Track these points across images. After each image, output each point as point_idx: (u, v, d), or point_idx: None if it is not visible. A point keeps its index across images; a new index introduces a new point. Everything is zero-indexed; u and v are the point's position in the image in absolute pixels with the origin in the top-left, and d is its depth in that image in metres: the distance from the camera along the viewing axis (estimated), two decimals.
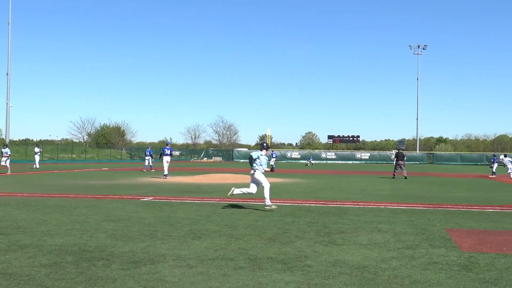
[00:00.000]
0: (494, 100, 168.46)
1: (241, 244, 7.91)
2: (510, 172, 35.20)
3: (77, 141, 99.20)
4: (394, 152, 38.94)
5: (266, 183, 12.94)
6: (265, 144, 13.51)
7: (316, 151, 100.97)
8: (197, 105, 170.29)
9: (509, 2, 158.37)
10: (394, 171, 31.25)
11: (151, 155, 37.96)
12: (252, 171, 13.09)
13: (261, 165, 12.99)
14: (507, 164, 36.28)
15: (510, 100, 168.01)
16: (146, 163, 37.48)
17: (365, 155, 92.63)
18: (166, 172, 27.47)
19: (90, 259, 6.75)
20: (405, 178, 29.71)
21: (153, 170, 35.82)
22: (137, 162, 66.66)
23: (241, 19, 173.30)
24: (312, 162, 67.65)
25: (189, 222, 10.33)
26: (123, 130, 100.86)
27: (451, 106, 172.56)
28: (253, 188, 13.12)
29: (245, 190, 13.29)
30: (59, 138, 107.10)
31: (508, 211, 13.10)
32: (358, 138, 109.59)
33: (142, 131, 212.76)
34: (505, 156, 38.29)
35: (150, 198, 15.43)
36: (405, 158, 31.74)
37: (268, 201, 12.70)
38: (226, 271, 6.16)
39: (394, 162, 31.67)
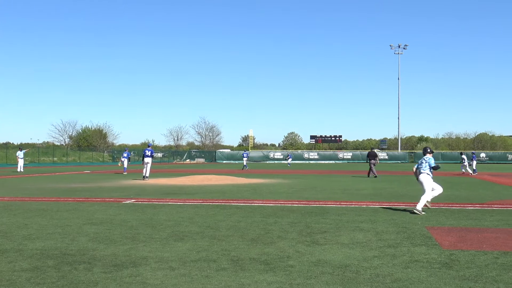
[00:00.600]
0: (474, 99, 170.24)
1: (223, 245, 7.91)
2: (464, 169, 36.98)
3: (59, 144, 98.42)
4: (376, 151, 39.12)
5: (436, 187, 12.68)
6: (428, 149, 13.23)
7: (299, 151, 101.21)
8: (179, 106, 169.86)
9: (488, 1, 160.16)
10: (370, 171, 31.46)
11: (128, 158, 38.01)
12: (419, 175, 12.66)
13: (429, 168, 12.64)
14: (464, 161, 37.74)
15: (490, 98, 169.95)
16: (125, 164, 37.52)
17: (348, 154, 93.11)
18: (147, 174, 27.52)
19: (72, 262, 6.71)
20: (375, 177, 30.16)
21: (125, 173, 35.78)
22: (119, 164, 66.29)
23: (222, 20, 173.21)
24: (290, 162, 66.46)
25: (172, 224, 10.31)
26: (105, 132, 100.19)
27: (432, 105, 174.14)
28: (436, 190, 12.92)
29: (428, 197, 12.58)
30: (40, 141, 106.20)
31: (488, 209, 13.23)
32: (340, 138, 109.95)
33: (124, 134, 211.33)
34: (461, 154, 39.75)
35: (132, 200, 15.37)
36: (377, 158, 31.87)
37: (419, 206, 12.07)
38: (208, 273, 6.16)
39: (367, 161, 31.94)
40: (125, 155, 38.26)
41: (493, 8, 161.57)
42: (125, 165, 37.47)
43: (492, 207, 13.70)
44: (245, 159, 49.76)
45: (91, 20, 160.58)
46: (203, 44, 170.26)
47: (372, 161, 31.04)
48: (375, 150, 32.95)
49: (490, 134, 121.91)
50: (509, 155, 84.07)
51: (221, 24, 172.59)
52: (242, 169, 47.09)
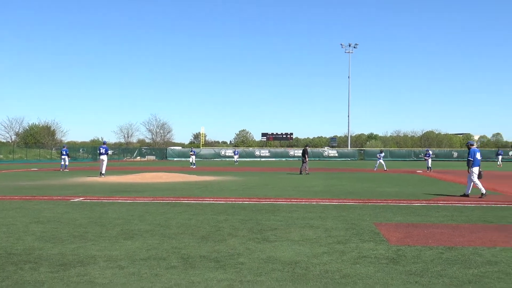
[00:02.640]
0: (421, 98, 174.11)
1: (173, 243, 7.86)
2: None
3: (5, 141, 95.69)
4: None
5: None
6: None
7: (250, 148, 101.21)
8: (130, 103, 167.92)
9: (435, 1, 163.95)
10: (301, 168, 32.61)
11: (67, 154, 37.76)
12: None
13: None
14: (379, 159, 39.73)
15: (436, 98, 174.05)
16: (62, 162, 37.24)
17: (299, 152, 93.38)
18: (103, 171, 27.39)
19: (17, 262, 6.55)
20: (306, 174, 31.47)
21: (67, 170, 35.55)
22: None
23: (171, 16, 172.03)
24: (237, 159, 64.93)
25: (121, 222, 10.18)
26: (53, 129, 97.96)
27: (381, 104, 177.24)
28: None
29: None
30: None
31: (434, 205, 13.56)
32: (292, 136, 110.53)
33: (74, 130, 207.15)
34: (381, 152, 41.98)
35: (81, 198, 15.11)
36: (306, 155, 32.78)
37: None
38: (158, 271, 6.10)
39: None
40: (63, 152, 37.99)
41: (439, 8, 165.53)
42: (66, 162, 37.26)
43: (437, 203, 14.05)
44: (193, 156, 49.62)
45: (37, 13, 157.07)
46: (153, 40, 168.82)
47: (303, 158, 32.23)
48: (307, 148, 34.13)
49: (436, 132, 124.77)
50: (455, 153, 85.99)
51: (171, 19, 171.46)
52: (190, 166, 47.04)
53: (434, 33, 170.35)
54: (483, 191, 15.81)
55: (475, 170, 16.12)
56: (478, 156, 16.20)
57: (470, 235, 8.78)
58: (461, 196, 16.02)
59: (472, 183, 16.13)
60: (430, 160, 38.73)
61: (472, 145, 16.56)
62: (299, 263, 6.54)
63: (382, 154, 40.65)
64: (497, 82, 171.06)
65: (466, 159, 16.37)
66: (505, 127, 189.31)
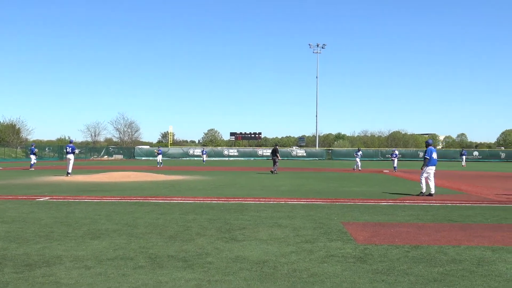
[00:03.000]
0: (388, 98, 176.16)
1: (141, 243, 7.81)
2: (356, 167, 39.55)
3: None
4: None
5: None
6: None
7: (219, 148, 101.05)
8: (97, 102, 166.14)
9: (402, 6, 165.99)
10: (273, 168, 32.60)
11: (34, 153, 37.39)
12: None
13: None
14: (357, 156, 40.41)
15: (403, 98, 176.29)
16: (32, 161, 36.93)
17: (267, 151, 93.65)
18: (69, 170, 27.09)
19: None
20: (275, 173, 31.46)
21: (32, 169, 35.19)
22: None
23: (137, 13, 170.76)
24: (205, 159, 63.42)
25: (88, 221, 10.07)
26: (18, 128, 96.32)
27: (349, 104, 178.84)
28: None
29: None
30: None
31: (400, 204, 13.72)
32: (260, 135, 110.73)
33: (39, 129, 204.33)
34: (358, 150, 42.63)
35: (47, 198, 14.89)
36: (278, 154, 32.87)
37: None
38: (125, 271, 6.06)
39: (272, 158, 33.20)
40: (32, 151, 37.63)
41: (407, 9, 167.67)
42: (33, 161, 36.88)
43: (404, 202, 14.23)
44: (159, 155, 48.94)
45: (5, 9, 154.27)
46: (120, 38, 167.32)
47: (274, 157, 32.20)
48: (278, 147, 34.07)
49: (403, 132, 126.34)
50: (420, 153, 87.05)
51: (137, 17, 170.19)
52: (157, 166, 46.49)
53: (401, 34, 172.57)
54: (424, 190, 16.33)
55: (430, 169, 16.42)
56: (434, 155, 16.49)
57: (435, 234, 8.92)
58: (426, 195, 16.24)
59: (432, 180, 16.39)
60: (396, 160, 39.14)
61: (430, 144, 16.85)
62: (267, 262, 6.56)
63: (360, 153, 40.67)
64: (462, 83, 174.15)
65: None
66: (469, 128, 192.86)
